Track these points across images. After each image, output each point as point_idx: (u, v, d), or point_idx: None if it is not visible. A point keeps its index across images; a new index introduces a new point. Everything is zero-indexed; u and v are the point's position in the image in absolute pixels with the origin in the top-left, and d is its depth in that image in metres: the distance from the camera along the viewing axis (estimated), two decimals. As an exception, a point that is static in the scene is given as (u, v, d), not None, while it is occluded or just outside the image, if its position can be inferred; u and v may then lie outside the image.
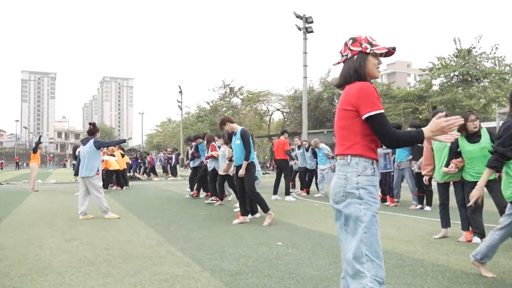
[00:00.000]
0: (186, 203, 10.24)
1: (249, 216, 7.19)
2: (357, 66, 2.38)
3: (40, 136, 15.10)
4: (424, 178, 5.29)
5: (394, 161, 9.01)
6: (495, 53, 20.59)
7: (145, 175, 24.92)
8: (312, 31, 24.65)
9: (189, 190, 11.88)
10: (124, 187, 15.36)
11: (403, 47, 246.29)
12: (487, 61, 20.77)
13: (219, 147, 10.08)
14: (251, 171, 6.69)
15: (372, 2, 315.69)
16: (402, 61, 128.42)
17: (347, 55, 2.44)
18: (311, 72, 23.97)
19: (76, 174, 14.14)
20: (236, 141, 6.82)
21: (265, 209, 6.63)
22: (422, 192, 8.48)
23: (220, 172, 9.70)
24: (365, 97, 2.26)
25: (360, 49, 2.40)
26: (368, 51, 2.39)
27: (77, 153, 13.37)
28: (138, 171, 24.89)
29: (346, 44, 2.46)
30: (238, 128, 6.90)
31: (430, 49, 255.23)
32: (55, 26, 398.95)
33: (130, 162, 20.38)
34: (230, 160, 8.96)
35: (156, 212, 8.43)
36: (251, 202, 7.29)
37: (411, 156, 8.58)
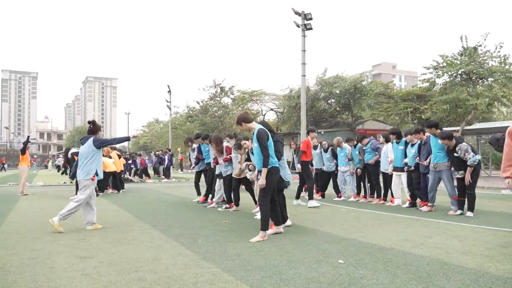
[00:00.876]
0: (197, 208, 9.35)
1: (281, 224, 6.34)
2: None
3: (29, 136, 13.95)
4: (506, 182, 4.53)
5: (429, 162, 8.26)
6: (499, 51, 20.15)
7: (136, 176, 23.89)
8: (311, 28, 23.96)
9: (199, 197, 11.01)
10: (121, 191, 14.36)
11: (388, 48, 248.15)
12: (492, 60, 20.29)
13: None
14: (271, 176, 5.65)
15: (358, 5, 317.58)
16: (388, 62, 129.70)
17: None
18: (307, 71, 23.22)
19: (72, 177, 13.15)
20: (254, 143, 5.78)
21: (264, 226, 5.59)
22: (463, 196, 7.77)
23: (234, 175, 8.88)
24: None
25: None
26: None
27: (69, 155, 12.36)
28: (128, 172, 23.78)
29: None
30: (255, 128, 5.78)
31: (415, 51, 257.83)
32: (36, 24, 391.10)
33: (125, 163, 19.31)
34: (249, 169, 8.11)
35: (170, 219, 7.52)
36: (281, 209, 6.44)
37: (449, 162, 7.85)
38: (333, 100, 29.32)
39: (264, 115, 38.02)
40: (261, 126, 5.79)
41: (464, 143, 7.49)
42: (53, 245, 5.31)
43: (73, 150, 12.05)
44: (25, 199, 11.62)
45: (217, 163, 9.40)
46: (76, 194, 11.52)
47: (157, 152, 28.33)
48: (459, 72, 20.55)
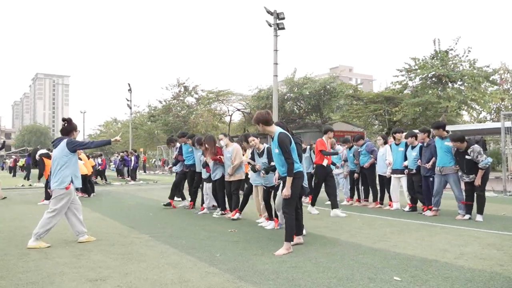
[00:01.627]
0: (188, 215, 8.65)
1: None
2: None
3: (4, 141, 12.56)
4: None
5: (434, 165, 8.00)
6: (467, 55, 20.62)
7: (98, 177, 22.57)
8: (283, 28, 23.58)
9: (179, 199, 10.33)
10: (92, 194, 13.33)
11: (345, 51, 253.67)
12: (461, 64, 20.72)
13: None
14: (296, 181, 5.09)
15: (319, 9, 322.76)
16: (345, 65, 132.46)
17: None
18: (273, 72, 22.67)
19: (28, 177, 12.05)
20: (274, 149, 5.23)
21: (289, 237, 5.06)
22: (471, 200, 7.55)
23: (227, 175, 8.24)
24: None
25: None
26: None
27: (37, 157, 11.29)
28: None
29: None
30: (275, 132, 5.19)
31: (371, 55, 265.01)
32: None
33: (94, 164, 18.06)
34: (253, 169, 7.41)
35: (166, 228, 6.81)
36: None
37: (457, 166, 7.60)
38: (302, 102, 29.12)
39: (231, 116, 37.37)
40: (281, 130, 5.22)
41: (476, 145, 7.27)
42: (49, 263, 4.51)
43: (41, 151, 10.99)
44: (-14, 206, 10.43)
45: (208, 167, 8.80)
46: (45, 199, 10.60)
47: (121, 153, 27.04)
48: (430, 75, 20.84)
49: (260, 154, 7.27)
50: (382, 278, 3.85)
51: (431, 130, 8.30)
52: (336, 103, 27.11)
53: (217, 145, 8.73)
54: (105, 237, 6.07)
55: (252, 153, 7.60)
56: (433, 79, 21.02)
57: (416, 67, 21.01)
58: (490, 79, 20.62)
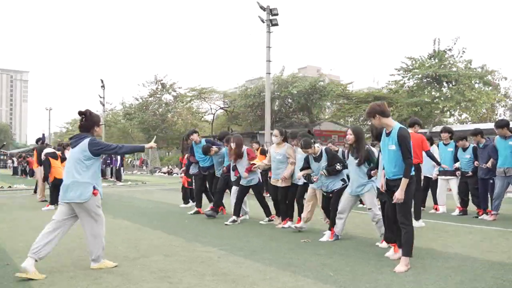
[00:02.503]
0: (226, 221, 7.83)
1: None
2: None
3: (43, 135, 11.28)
4: None
5: (493, 167, 7.56)
6: (461, 56, 20.73)
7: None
8: (277, 24, 23.00)
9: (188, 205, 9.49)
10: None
11: (313, 52, 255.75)
12: (455, 64, 20.79)
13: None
14: (409, 188, 4.38)
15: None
16: (313, 66, 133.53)
17: None
18: (263, 70, 22.05)
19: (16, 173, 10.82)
20: (390, 145, 4.47)
21: (409, 252, 4.37)
22: (538, 203, 7.16)
23: (273, 182, 7.42)
24: None
25: None
26: None
27: (42, 156, 10.05)
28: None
29: None
30: (394, 126, 4.49)
31: (339, 55, 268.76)
32: None
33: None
34: (309, 179, 6.54)
35: (229, 239, 5.96)
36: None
37: None
38: (291, 100, 28.65)
39: (214, 114, 36.42)
40: (401, 125, 4.55)
41: (548, 146, 6.88)
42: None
43: (47, 150, 9.83)
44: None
45: (228, 171, 8.06)
46: (50, 204, 9.48)
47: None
48: (426, 74, 20.80)
49: (317, 159, 6.45)
50: None
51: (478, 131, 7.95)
52: (326, 103, 26.81)
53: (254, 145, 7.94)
54: (167, 251, 5.19)
55: (306, 159, 6.72)
56: (428, 79, 20.98)
57: (412, 67, 20.92)
58: (485, 79, 20.79)
